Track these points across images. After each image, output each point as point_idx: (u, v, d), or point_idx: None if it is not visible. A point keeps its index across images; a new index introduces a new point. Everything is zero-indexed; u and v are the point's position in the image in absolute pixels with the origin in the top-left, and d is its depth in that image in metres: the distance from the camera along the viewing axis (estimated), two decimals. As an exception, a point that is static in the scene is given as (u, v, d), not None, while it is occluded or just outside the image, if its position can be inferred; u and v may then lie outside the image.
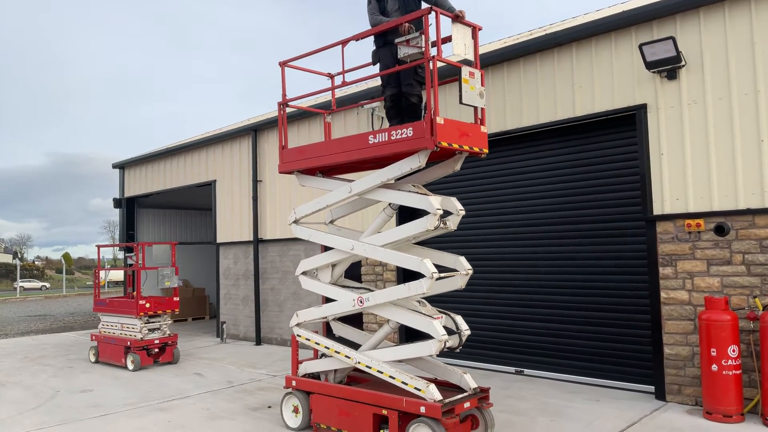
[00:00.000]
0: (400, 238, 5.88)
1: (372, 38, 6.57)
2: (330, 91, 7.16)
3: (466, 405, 5.59)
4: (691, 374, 7.05)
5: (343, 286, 6.62)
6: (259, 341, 13.01)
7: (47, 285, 55.87)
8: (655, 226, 7.38)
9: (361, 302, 6.05)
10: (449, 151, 5.63)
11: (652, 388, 7.46)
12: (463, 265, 5.93)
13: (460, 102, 5.60)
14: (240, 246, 13.81)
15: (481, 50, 9.00)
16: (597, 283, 8.20)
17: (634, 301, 7.83)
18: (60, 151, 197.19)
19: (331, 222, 6.90)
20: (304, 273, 6.82)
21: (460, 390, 5.89)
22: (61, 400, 8.29)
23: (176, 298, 10.92)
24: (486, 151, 5.94)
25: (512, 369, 9.04)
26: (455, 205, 5.84)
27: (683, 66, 7.13)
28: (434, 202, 5.53)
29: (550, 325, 8.66)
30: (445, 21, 5.77)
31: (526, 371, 8.86)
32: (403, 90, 6.57)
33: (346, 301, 6.24)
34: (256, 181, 13.07)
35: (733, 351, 6.37)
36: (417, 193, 5.76)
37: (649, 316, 7.55)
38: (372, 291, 6.17)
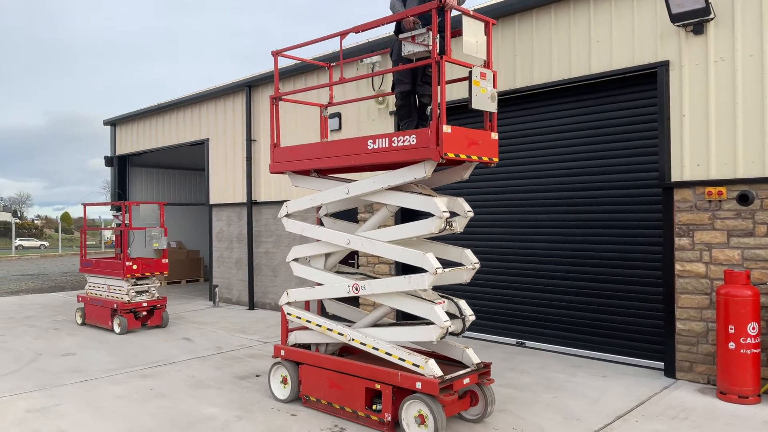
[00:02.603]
0: (401, 238, 5.40)
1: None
2: (327, 85, 6.50)
3: (466, 381, 5.20)
4: (704, 351, 6.65)
5: (338, 272, 6.18)
6: (252, 306, 12.65)
7: (46, 244, 55.52)
8: (672, 193, 6.88)
9: (356, 289, 5.61)
10: (457, 159, 5.13)
11: (661, 365, 7.08)
12: (469, 259, 5.51)
13: (470, 107, 5.05)
14: (233, 208, 13.33)
15: (491, 0, 8.36)
16: (606, 253, 7.74)
17: (645, 273, 7.38)
18: (58, 110, 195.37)
19: (326, 215, 6.39)
20: (295, 259, 6.39)
21: (461, 364, 5.49)
22: (41, 364, 7.93)
23: (165, 260, 10.49)
24: (496, 159, 5.44)
25: (513, 341, 8.65)
26: (463, 206, 5.33)
27: (712, 19, 6.53)
28: (440, 205, 5.03)
29: (554, 296, 8.24)
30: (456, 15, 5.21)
31: (528, 343, 8.48)
32: (417, 89, 6.04)
33: (340, 286, 5.81)
34: (250, 141, 12.51)
35: (753, 329, 5.95)
36: (421, 194, 5.27)
37: (661, 289, 7.12)
38: (369, 279, 5.72)
